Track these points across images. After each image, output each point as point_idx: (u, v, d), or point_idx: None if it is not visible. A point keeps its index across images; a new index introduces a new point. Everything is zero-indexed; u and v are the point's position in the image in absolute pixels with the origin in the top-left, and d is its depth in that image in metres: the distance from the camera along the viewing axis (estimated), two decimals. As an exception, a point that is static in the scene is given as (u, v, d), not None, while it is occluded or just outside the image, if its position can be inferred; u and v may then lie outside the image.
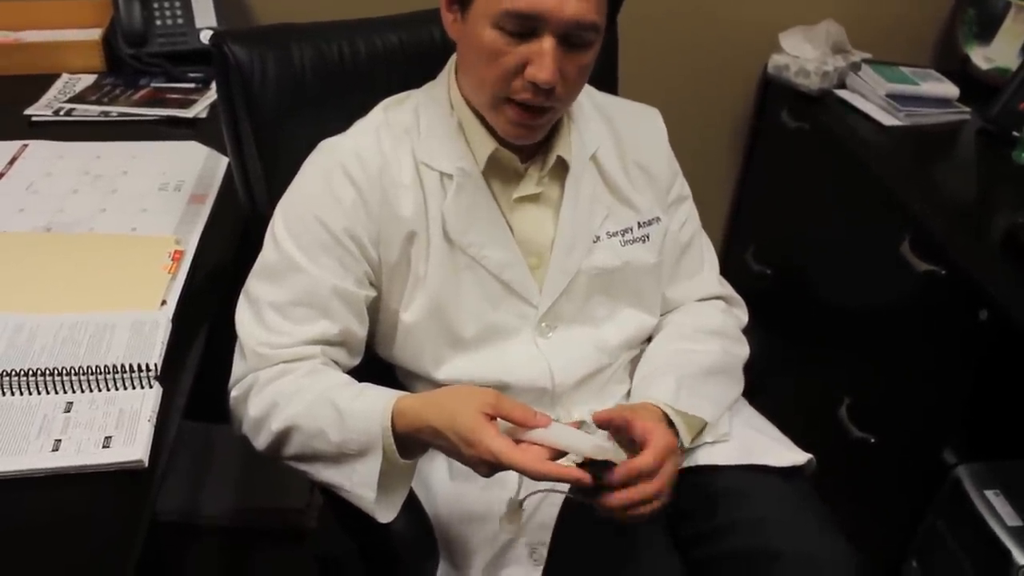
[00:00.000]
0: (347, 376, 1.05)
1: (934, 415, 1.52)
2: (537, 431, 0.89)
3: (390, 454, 0.95)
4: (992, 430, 1.47)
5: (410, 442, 0.95)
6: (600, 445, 0.89)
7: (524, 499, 0.97)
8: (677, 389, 1.08)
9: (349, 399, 0.98)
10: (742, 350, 1.23)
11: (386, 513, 0.98)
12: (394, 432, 0.94)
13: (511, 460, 0.87)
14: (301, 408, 0.99)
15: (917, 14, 2.05)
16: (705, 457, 1.10)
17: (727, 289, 1.28)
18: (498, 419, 0.90)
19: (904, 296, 1.60)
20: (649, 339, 1.23)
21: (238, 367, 1.07)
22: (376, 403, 0.96)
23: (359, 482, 0.96)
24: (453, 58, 1.10)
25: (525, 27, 0.94)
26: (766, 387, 1.30)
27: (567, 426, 0.92)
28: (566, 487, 1.02)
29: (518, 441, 0.89)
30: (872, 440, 1.65)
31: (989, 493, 1.41)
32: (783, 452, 1.12)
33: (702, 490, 1.08)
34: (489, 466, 0.89)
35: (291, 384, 1.02)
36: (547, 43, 0.94)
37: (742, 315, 1.28)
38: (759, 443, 1.13)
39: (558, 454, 0.90)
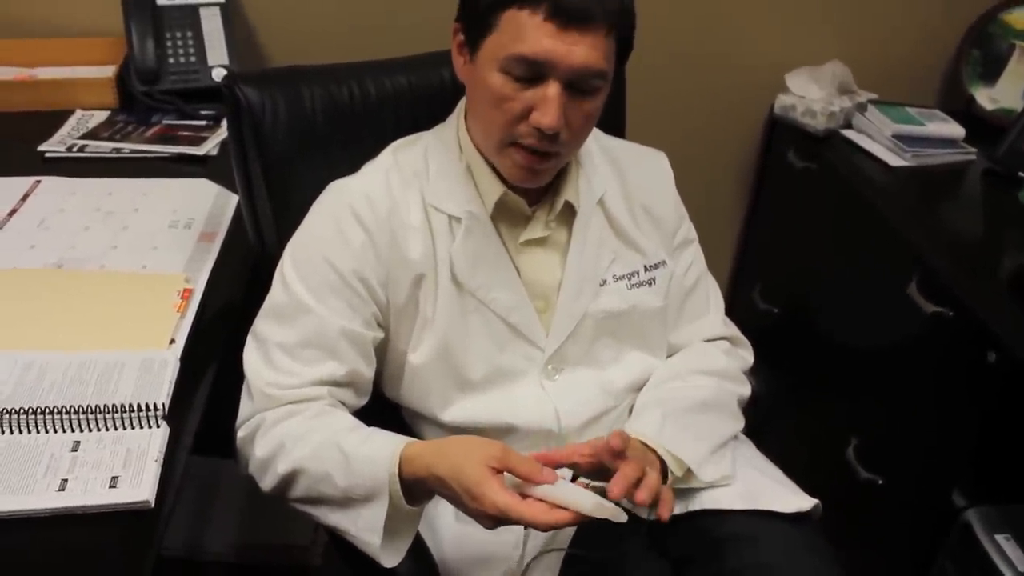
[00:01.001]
0: (354, 419, 1.05)
1: (943, 457, 1.51)
2: (543, 487, 0.89)
3: (396, 500, 0.94)
4: (1002, 473, 1.46)
5: (417, 489, 0.95)
6: (601, 504, 0.88)
7: (531, 562, 0.97)
8: (662, 423, 1.08)
9: (356, 444, 0.98)
10: (741, 388, 1.23)
11: (391, 558, 0.97)
12: (400, 478, 0.94)
13: (518, 514, 0.86)
14: (308, 451, 0.99)
15: (922, 55, 2.07)
16: (710, 502, 1.09)
17: (732, 330, 1.28)
18: (505, 473, 0.90)
19: (911, 337, 1.59)
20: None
21: (245, 407, 1.08)
22: (383, 449, 0.96)
23: (364, 527, 0.96)
24: (462, 101, 1.11)
25: (532, 72, 0.95)
26: (772, 427, 1.29)
27: (571, 484, 0.92)
28: (566, 544, 1.03)
29: (524, 495, 0.89)
30: (880, 481, 1.64)
31: (1000, 537, 1.40)
32: (789, 497, 1.11)
33: (707, 535, 1.06)
34: (492, 519, 0.88)
35: (298, 426, 1.02)
36: (552, 89, 0.95)
37: (747, 355, 1.28)
38: (765, 488, 1.12)
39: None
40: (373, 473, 0.94)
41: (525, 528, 0.96)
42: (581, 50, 0.93)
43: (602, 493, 0.90)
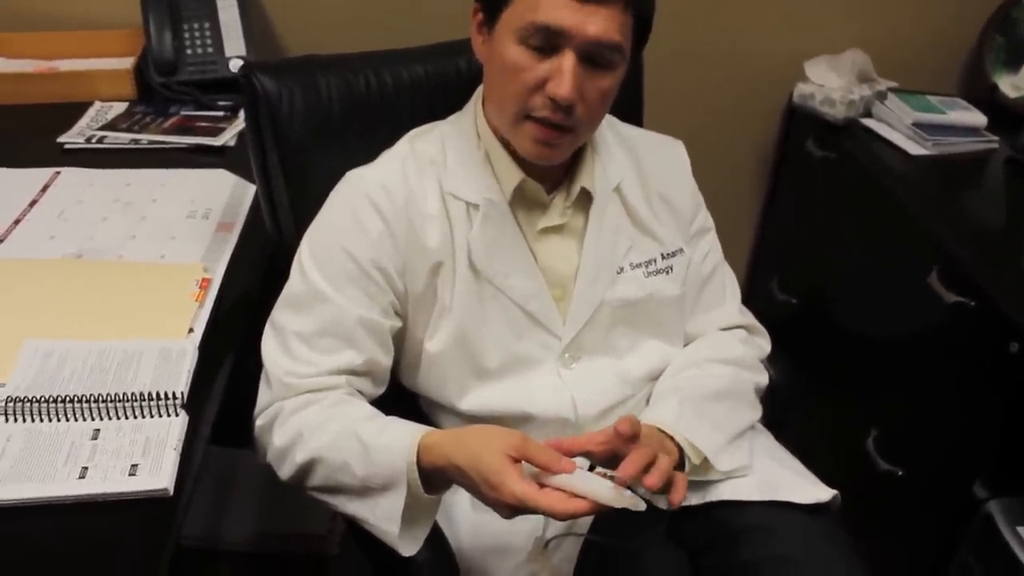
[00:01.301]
0: (372, 408, 1.05)
1: (964, 448, 1.50)
2: (561, 476, 0.89)
3: (415, 489, 0.94)
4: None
5: (435, 478, 0.95)
6: (619, 493, 0.88)
7: (550, 540, 0.97)
8: (680, 410, 1.08)
9: (374, 433, 0.98)
10: (758, 377, 1.22)
11: (409, 547, 0.97)
12: (419, 467, 0.94)
13: (536, 503, 0.86)
14: (326, 440, 1.00)
15: (944, 42, 2.04)
16: (728, 492, 1.08)
17: (749, 318, 1.28)
18: (523, 462, 0.90)
19: (932, 327, 1.58)
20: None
21: (263, 396, 1.08)
22: (402, 438, 0.96)
23: (383, 516, 0.96)
24: (479, 89, 1.11)
25: (548, 42, 0.95)
26: (791, 418, 1.29)
27: (589, 473, 0.92)
28: (585, 529, 1.03)
29: (542, 485, 0.88)
30: (900, 473, 1.62)
31: (1021, 529, 1.39)
32: (808, 488, 1.11)
33: (725, 526, 1.06)
34: (510, 508, 0.88)
35: (316, 415, 1.02)
36: (568, 60, 0.95)
37: (764, 344, 1.27)
38: (783, 478, 1.12)
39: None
40: (391, 462, 0.95)
41: (545, 522, 0.96)
42: (598, 20, 0.93)
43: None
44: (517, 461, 0.89)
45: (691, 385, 1.14)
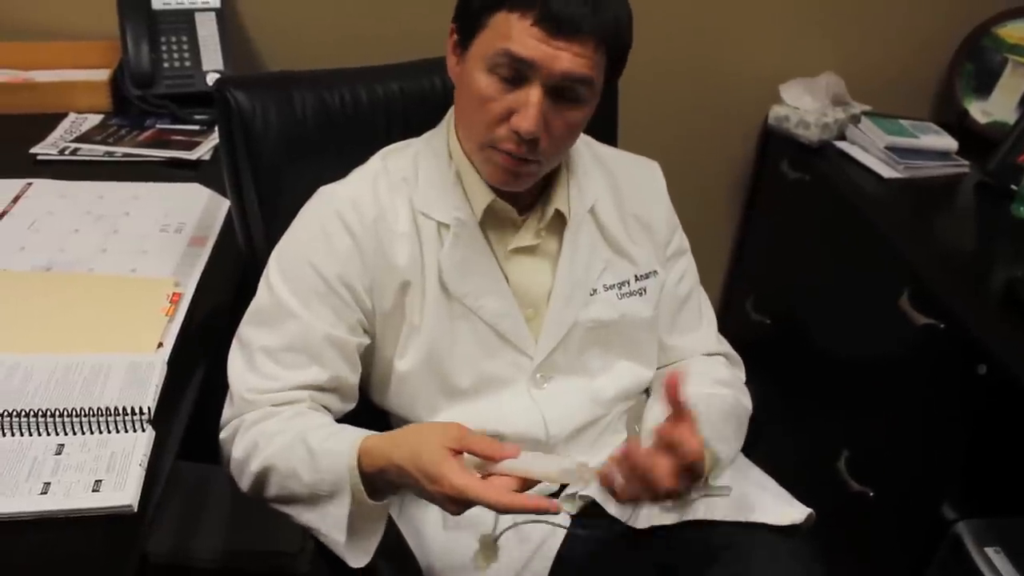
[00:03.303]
0: (328, 418, 1.05)
1: (933, 470, 1.51)
2: (505, 462, 0.88)
3: (358, 495, 0.93)
4: (992, 486, 1.45)
5: (379, 481, 0.93)
6: (567, 470, 0.87)
7: (499, 536, 0.96)
8: (703, 419, 1.06)
9: (321, 439, 0.97)
10: (748, 403, 1.22)
11: (357, 557, 0.96)
12: (361, 472, 0.93)
13: (476, 495, 0.85)
14: (277, 448, 0.99)
15: (916, 67, 2.08)
16: (703, 511, 1.08)
17: (725, 347, 1.28)
18: (465, 454, 0.89)
19: (903, 349, 1.59)
20: (646, 391, 1.22)
21: (226, 411, 1.07)
22: (344, 444, 0.95)
23: (332, 524, 0.95)
24: (452, 108, 1.11)
25: (516, 73, 0.95)
26: (764, 438, 1.29)
27: (536, 453, 0.90)
28: (539, 517, 1.01)
29: (488, 475, 0.88)
30: (871, 494, 1.63)
31: (989, 550, 1.39)
32: (781, 509, 1.11)
33: (697, 545, 1.06)
34: (456, 503, 0.87)
35: (273, 425, 1.01)
36: (534, 93, 0.94)
37: (740, 374, 1.27)
38: (758, 499, 1.12)
39: (531, 483, 0.88)
40: (335, 468, 0.94)
41: (495, 518, 0.95)
42: (567, 57, 0.93)
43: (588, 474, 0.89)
44: (458, 453, 0.88)
45: (707, 404, 1.12)
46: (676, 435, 0.91)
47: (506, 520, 0.95)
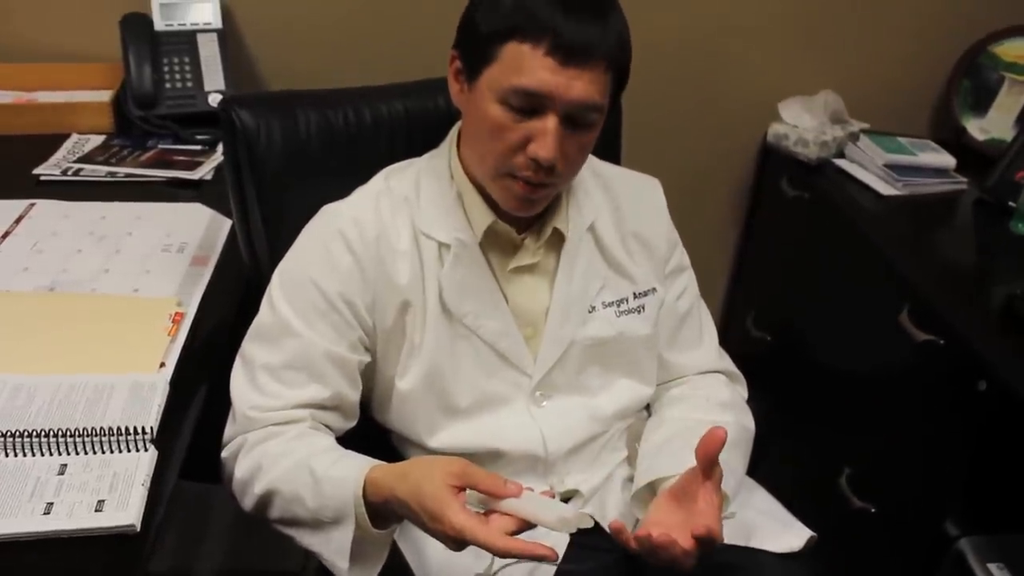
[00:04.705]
0: (331, 441, 1.05)
1: (934, 486, 1.51)
2: (508, 501, 0.88)
3: (363, 523, 0.93)
4: (994, 502, 1.45)
5: (383, 511, 0.94)
6: (565, 519, 0.87)
7: (496, 572, 0.96)
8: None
9: (326, 466, 0.97)
10: (751, 424, 1.22)
11: None
12: (367, 502, 0.93)
13: (475, 537, 0.84)
14: (280, 472, 0.99)
15: (914, 85, 2.09)
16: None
17: (727, 363, 1.28)
18: (467, 490, 0.89)
19: (903, 365, 1.59)
20: (646, 408, 1.23)
21: (228, 429, 1.08)
22: (350, 471, 0.95)
23: (334, 550, 0.95)
24: (455, 128, 1.12)
25: (530, 104, 0.95)
26: (765, 454, 1.29)
27: (538, 495, 0.90)
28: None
29: (490, 511, 0.88)
30: (873, 510, 1.63)
31: (992, 566, 1.39)
32: (784, 536, 1.11)
33: (696, 568, 1.05)
34: (455, 541, 0.87)
35: (276, 447, 1.02)
36: (551, 122, 0.95)
37: (742, 391, 1.27)
38: (761, 525, 1.12)
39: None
40: (340, 495, 0.94)
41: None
42: (580, 85, 0.94)
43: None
44: (462, 490, 0.88)
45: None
46: (697, 513, 0.94)
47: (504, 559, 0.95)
